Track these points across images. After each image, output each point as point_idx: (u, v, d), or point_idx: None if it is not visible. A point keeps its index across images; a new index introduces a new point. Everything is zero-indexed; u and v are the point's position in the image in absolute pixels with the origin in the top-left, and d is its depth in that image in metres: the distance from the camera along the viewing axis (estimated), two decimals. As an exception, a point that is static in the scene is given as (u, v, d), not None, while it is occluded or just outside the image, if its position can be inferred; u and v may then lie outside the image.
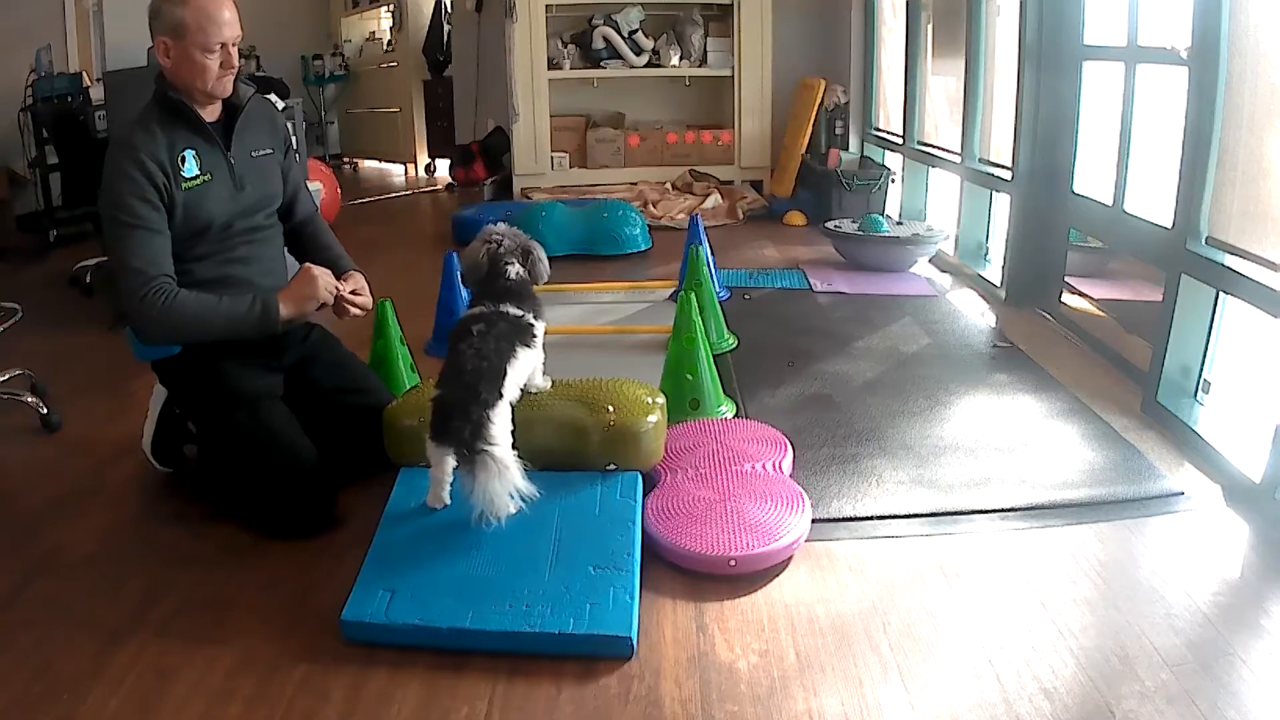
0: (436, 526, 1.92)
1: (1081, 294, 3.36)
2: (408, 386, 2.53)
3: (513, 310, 1.99)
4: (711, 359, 2.62)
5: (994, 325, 3.45)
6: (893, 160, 5.17)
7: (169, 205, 2.04)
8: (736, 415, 2.62)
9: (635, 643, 1.66)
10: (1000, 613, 1.75)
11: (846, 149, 5.44)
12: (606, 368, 2.45)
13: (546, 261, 2.14)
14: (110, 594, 1.86)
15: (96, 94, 4.69)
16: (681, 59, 5.90)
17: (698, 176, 5.89)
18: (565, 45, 5.94)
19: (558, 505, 1.94)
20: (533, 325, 2.02)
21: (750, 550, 1.87)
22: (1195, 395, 2.54)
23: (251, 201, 2.21)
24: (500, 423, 1.86)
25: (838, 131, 5.51)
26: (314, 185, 3.43)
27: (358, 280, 2.27)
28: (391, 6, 8.06)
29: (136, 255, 1.98)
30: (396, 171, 8.31)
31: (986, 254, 4.13)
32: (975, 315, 3.57)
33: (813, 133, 5.54)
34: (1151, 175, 2.87)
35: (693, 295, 2.63)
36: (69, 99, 5.10)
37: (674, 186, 5.85)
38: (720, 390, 2.64)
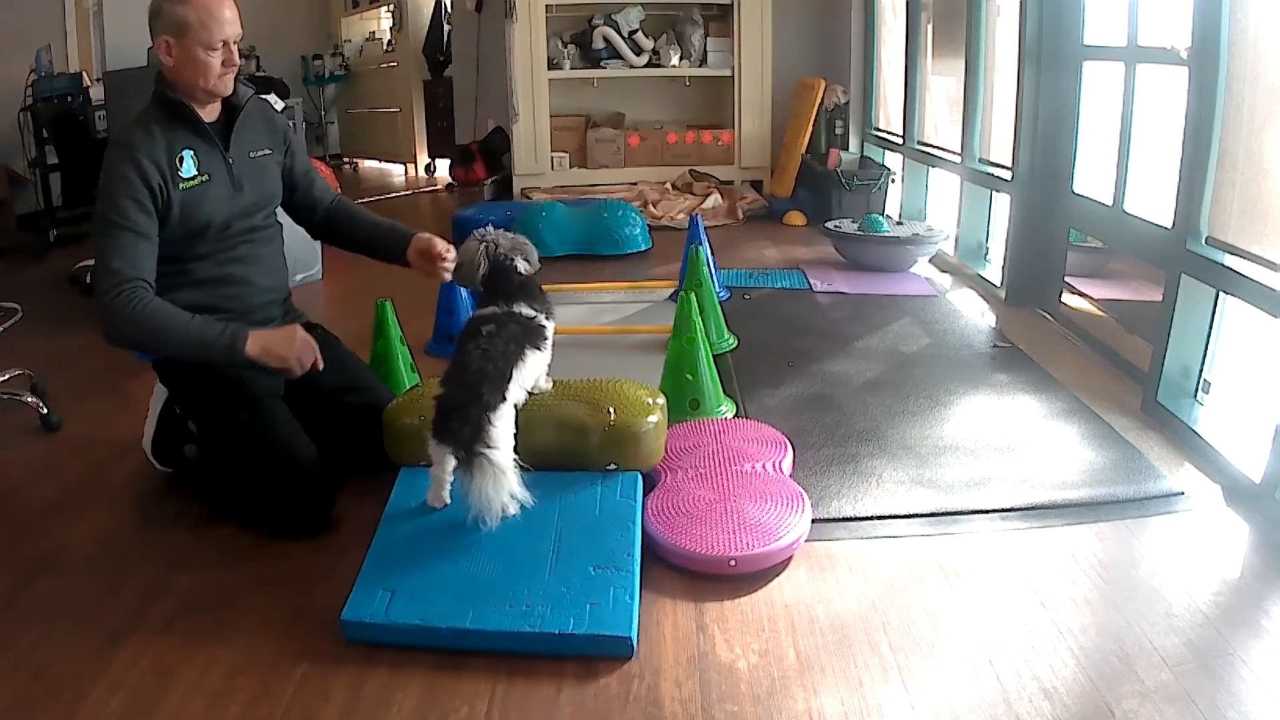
0: (437, 526, 1.92)
1: (1081, 294, 3.36)
2: (408, 386, 2.53)
3: (525, 311, 1.99)
4: (711, 359, 2.62)
5: (994, 325, 3.45)
6: (893, 160, 5.17)
7: (165, 206, 2.05)
8: (736, 415, 2.62)
9: (635, 643, 1.66)
10: (1000, 613, 1.75)
11: (846, 149, 5.44)
12: (606, 368, 2.45)
13: (535, 256, 2.14)
14: (110, 594, 1.86)
15: (96, 94, 4.70)
16: (681, 59, 5.90)
17: (698, 176, 5.89)
18: (565, 45, 5.94)
19: (558, 505, 1.94)
20: (544, 327, 2.02)
21: (750, 550, 1.87)
22: (1195, 395, 2.54)
23: (250, 202, 2.21)
24: (502, 426, 1.86)
25: (838, 131, 5.51)
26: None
27: (437, 241, 2.27)
28: (391, 6, 8.06)
29: (117, 256, 1.98)
30: (396, 171, 8.31)
31: (986, 254, 4.13)
32: (975, 315, 3.57)
33: (813, 133, 5.54)
34: (1151, 175, 2.87)
35: (693, 295, 2.63)
36: (69, 99, 5.11)
37: (674, 186, 5.85)
38: (720, 390, 2.64)
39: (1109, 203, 3.10)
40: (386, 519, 1.95)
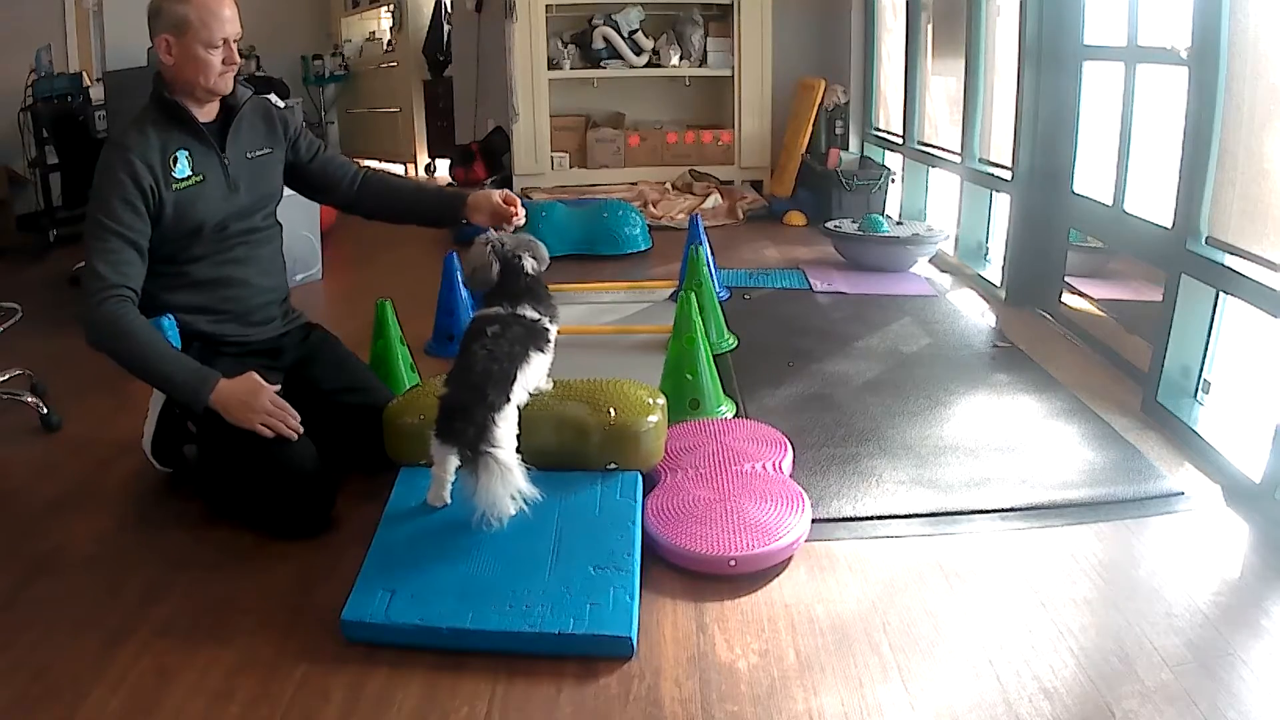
0: (437, 526, 1.92)
1: (1081, 294, 3.36)
2: (408, 386, 2.53)
3: (530, 313, 1.99)
4: (711, 359, 2.62)
5: (994, 325, 3.45)
6: (893, 160, 5.17)
7: (158, 206, 2.05)
8: (736, 415, 2.62)
9: (635, 643, 1.66)
10: (1000, 613, 1.75)
11: (846, 149, 5.44)
12: (606, 368, 2.45)
13: (545, 253, 2.12)
14: (110, 594, 1.86)
15: (96, 94, 4.70)
16: (681, 59, 5.90)
17: (698, 176, 5.89)
18: (565, 45, 5.94)
19: (558, 505, 1.94)
20: (548, 329, 2.02)
21: (750, 550, 1.87)
22: (1195, 395, 2.54)
23: (247, 203, 2.21)
24: (505, 426, 1.86)
25: (838, 131, 5.51)
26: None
27: (494, 194, 2.25)
28: (391, 6, 8.05)
29: (104, 260, 1.98)
30: (397, 171, 8.31)
31: (986, 254, 4.13)
32: (975, 315, 3.57)
33: (813, 133, 5.53)
34: (1151, 175, 2.87)
35: (693, 295, 2.63)
36: (69, 99, 5.10)
37: (674, 186, 5.85)
38: (720, 390, 2.64)
39: (1109, 203, 3.10)
40: (386, 519, 1.95)
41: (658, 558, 1.91)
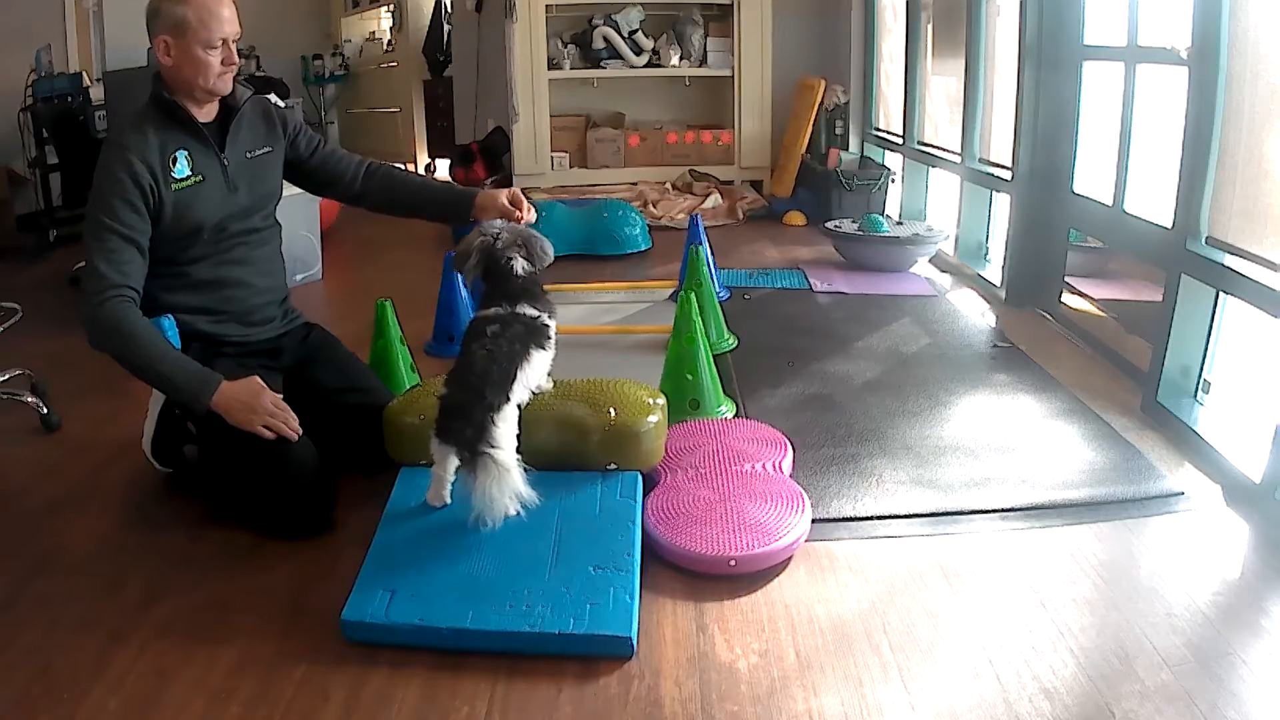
0: (436, 526, 1.92)
1: (1081, 294, 3.36)
2: (408, 386, 2.53)
3: (529, 311, 1.98)
4: (711, 359, 2.62)
5: (994, 325, 3.45)
6: (893, 160, 5.16)
7: (157, 206, 2.05)
8: (736, 415, 2.62)
9: (635, 643, 1.66)
10: (1000, 613, 1.75)
11: (846, 149, 5.43)
12: (606, 368, 2.45)
13: (549, 247, 2.10)
14: (110, 594, 1.86)
15: (96, 94, 4.70)
16: (681, 59, 5.90)
17: (698, 176, 5.89)
18: (565, 45, 5.94)
19: (558, 505, 1.94)
20: (548, 326, 2.02)
21: (750, 550, 1.87)
22: (1195, 395, 2.54)
23: (246, 204, 2.21)
24: (505, 426, 1.86)
25: (838, 131, 5.51)
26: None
27: (501, 196, 2.23)
28: (391, 6, 8.05)
29: (105, 259, 1.98)
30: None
31: (986, 254, 4.13)
32: (975, 315, 3.57)
33: (813, 133, 5.53)
34: (1151, 175, 2.87)
35: (693, 295, 2.63)
36: (69, 99, 5.10)
37: (674, 186, 5.85)
38: (720, 390, 2.64)
39: (1109, 203, 3.10)
40: (386, 519, 1.95)
41: (658, 558, 1.91)
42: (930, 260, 4.29)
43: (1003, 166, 3.78)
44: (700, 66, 5.95)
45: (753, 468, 2.19)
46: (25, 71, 5.38)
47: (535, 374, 2.00)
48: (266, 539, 2.04)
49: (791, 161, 5.63)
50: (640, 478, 2.07)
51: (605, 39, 5.86)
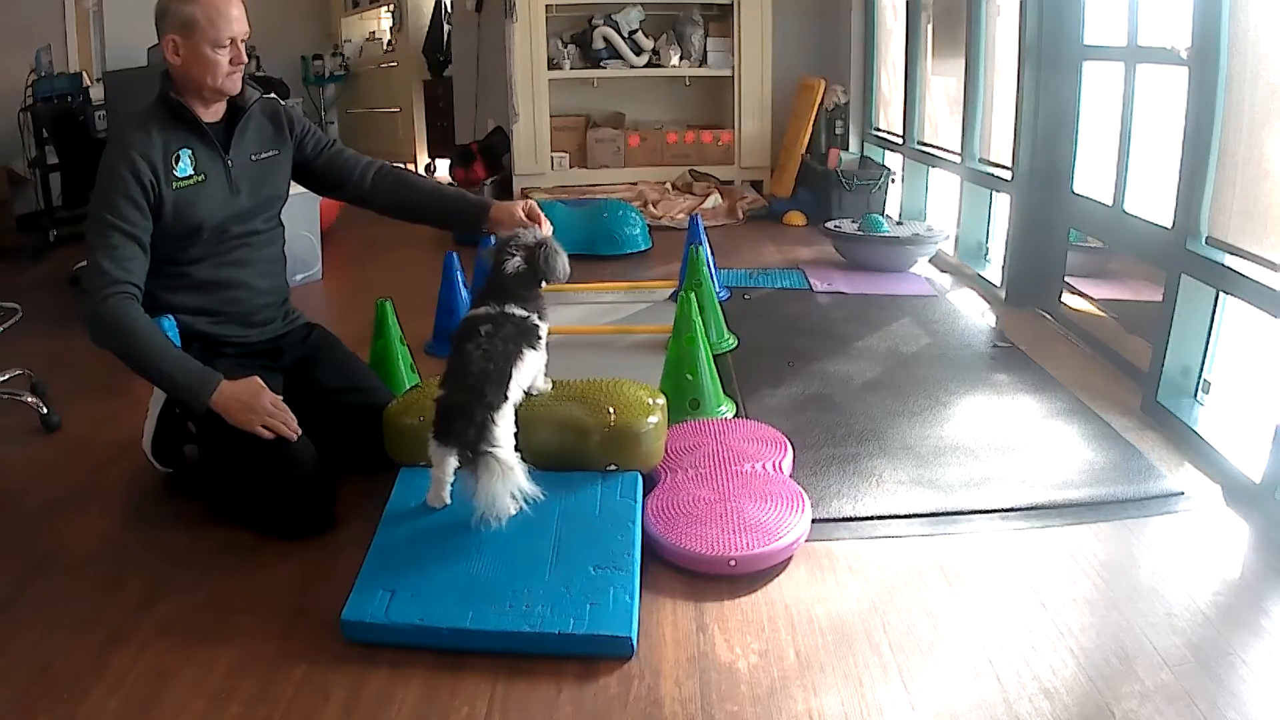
0: (436, 526, 1.92)
1: (1081, 294, 3.36)
2: (408, 386, 2.53)
3: (518, 311, 1.98)
4: (711, 359, 2.62)
5: (994, 325, 3.45)
6: (893, 160, 5.16)
7: (157, 203, 2.05)
8: (736, 415, 2.62)
9: (635, 643, 1.66)
10: (1000, 613, 1.75)
11: (846, 149, 5.43)
12: (606, 368, 2.45)
13: (563, 259, 2.06)
14: (110, 594, 1.86)
15: (96, 94, 4.70)
16: (681, 59, 5.90)
17: (698, 176, 5.89)
18: (565, 45, 5.94)
19: (558, 505, 1.94)
20: (538, 326, 2.01)
21: (750, 550, 1.87)
22: (1195, 395, 2.54)
23: (248, 206, 2.21)
24: (504, 425, 1.86)
25: (838, 131, 5.51)
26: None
27: (520, 207, 2.20)
28: (391, 6, 8.05)
29: (108, 255, 1.98)
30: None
31: (986, 254, 4.13)
32: (975, 315, 3.57)
33: (813, 133, 5.53)
34: (1151, 175, 2.87)
35: (693, 295, 2.63)
36: (69, 99, 5.10)
37: (674, 186, 5.85)
38: (720, 390, 2.64)
39: (1109, 203, 3.10)
40: (386, 519, 1.95)
41: (658, 558, 1.91)
42: (930, 260, 4.29)
43: (1003, 166, 3.78)
44: (700, 66, 5.95)
45: (753, 468, 2.19)
46: (25, 71, 5.38)
47: (527, 374, 2.00)
48: (266, 539, 2.04)
49: (791, 161, 5.63)
50: (640, 478, 2.07)
51: (605, 39, 5.86)
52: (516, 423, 1.91)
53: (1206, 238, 2.49)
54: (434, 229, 3.60)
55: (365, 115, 8.57)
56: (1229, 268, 2.38)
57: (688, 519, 1.97)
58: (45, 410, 2.72)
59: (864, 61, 5.47)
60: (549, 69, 5.82)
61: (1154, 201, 2.80)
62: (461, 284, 3.26)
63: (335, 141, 2.40)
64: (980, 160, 4.07)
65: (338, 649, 1.68)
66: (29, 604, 1.85)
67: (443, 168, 7.74)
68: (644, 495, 2.03)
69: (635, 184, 5.83)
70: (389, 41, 8.30)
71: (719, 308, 3.29)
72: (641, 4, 5.89)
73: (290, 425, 2.04)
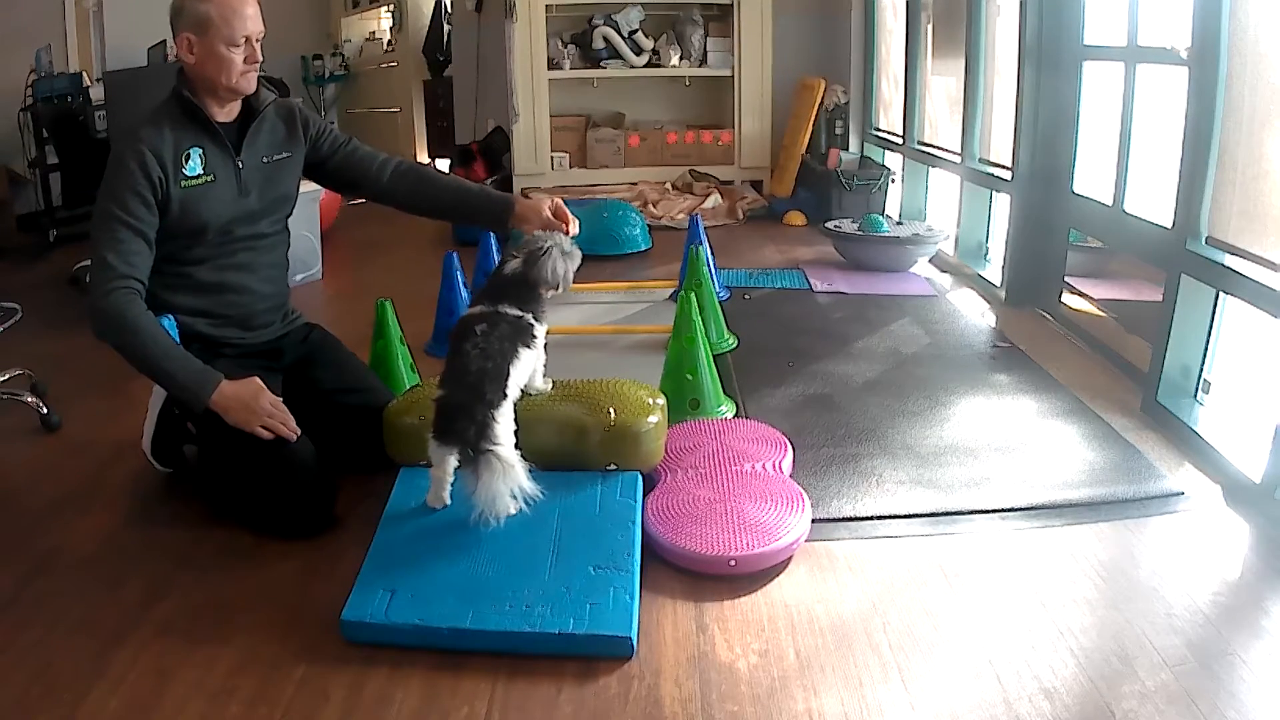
0: (436, 526, 1.92)
1: (1081, 294, 3.36)
2: (408, 386, 2.53)
3: (512, 311, 1.98)
4: (711, 359, 2.62)
5: (994, 325, 3.45)
6: (893, 160, 5.17)
7: (164, 200, 2.04)
8: (736, 415, 2.62)
9: (635, 643, 1.66)
10: (1000, 613, 1.75)
11: (846, 149, 5.44)
12: (606, 368, 2.45)
13: (565, 264, 2.04)
14: (110, 594, 1.86)
15: (96, 94, 4.70)
16: (681, 59, 5.90)
17: (698, 176, 5.89)
18: (565, 45, 5.94)
19: (558, 505, 1.94)
20: (533, 326, 2.01)
21: (750, 550, 1.87)
22: (1195, 395, 2.54)
23: (256, 208, 2.20)
24: (504, 423, 1.86)
25: (838, 131, 5.51)
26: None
27: (545, 204, 2.16)
28: (391, 6, 8.05)
29: (113, 249, 1.98)
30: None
31: (986, 254, 4.13)
32: (975, 315, 3.57)
33: (813, 133, 5.54)
34: (1151, 175, 2.87)
35: (693, 295, 2.63)
36: (69, 99, 5.10)
37: (674, 186, 5.85)
38: (720, 390, 2.64)
39: (1109, 203, 3.10)
40: (386, 519, 1.95)
41: (658, 558, 1.91)
42: (930, 260, 4.29)
43: (1003, 166, 3.78)
44: (700, 66, 5.95)
45: (753, 468, 2.19)
46: (25, 71, 5.38)
47: (523, 373, 2.00)
48: (266, 539, 2.04)
49: (791, 161, 5.63)
50: (640, 478, 2.07)
51: (605, 39, 5.86)
52: (516, 422, 1.92)
53: (1206, 238, 2.49)
54: (433, 227, 3.60)
55: (365, 115, 8.56)
56: (1229, 268, 2.38)
57: (688, 519, 1.97)
58: (45, 410, 2.72)
59: (864, 61, 5.47)
60: (549, 69, 5.82)
61: (1154, 201, 2.80)
62: (461, 284, 3.26)
63: (351, 139, 2.37)
64: (980, 160, 4.07)
65: (338, 649, 1.68)
66: (29, 604, 1.85)
67: (443, 167, 7.74)
68: (644, 495, 2.03)
69: (635, 184, 5.83)
70: (389, 41, 8.30)
71: (719, 308, 3.29)
72: (641, 4, 5.89)
73: (289, 425, 2.04)
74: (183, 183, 2.07)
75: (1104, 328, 3.16)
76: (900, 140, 5.00)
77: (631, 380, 2.23)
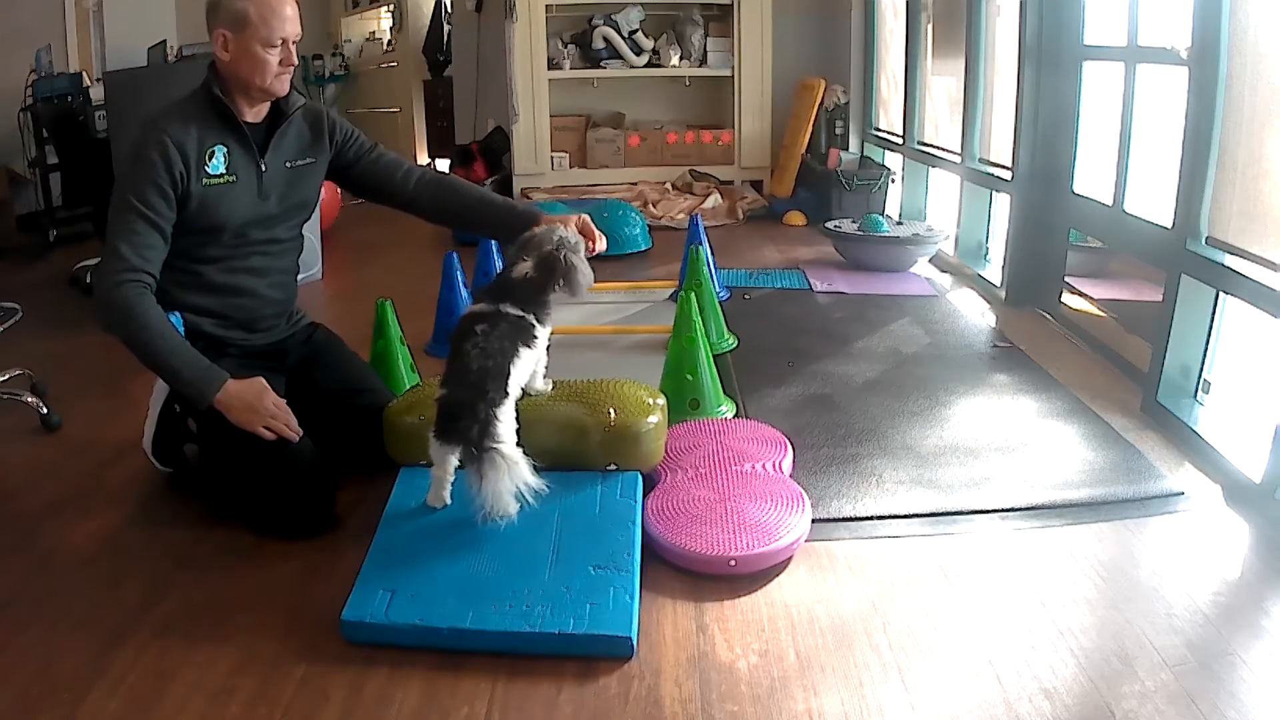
0: (436, 526, 1.92)
1: (1081, 294, 3.36)
2: (408, 386, 2.53)
3: (514, 311, 1.98)
4: (711, 359, 2.62)
5: (994, 325, 3.45)
6: (893, 160, 5.17)
7: (183, 196, 2.03)
8: (736, 415, 2.62)
9: (635, 643, 1.66)
10: (1000, 613, 1.75)
11: (846, 149, 5.44)
12: (606, 368, 2.44)
13: (576, 273, 2.00)
14: (110, 594, 1.86)
15: (96, 94, 4.69)
16: (681, 59, 5.90)
17: (698, 176, 5.89)
18: (565, 45, 5.94)
19: (558, 505, 1.94)
20: (534, 326, 2.01)
21: (750, 550, 1.87)
22: (1195, 395, 2.54)
23: (274, 213, 2.19)
24: (506, 421, 1.87)
25: (838, 131, 5.51)
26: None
27: (571, 221, 2.13)
28: (391, 6, 8.06)
29: (128, 240, 1.96)
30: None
31: (986, 254, 4.13)
32: (975, 315, 3.57)
33: (813, 133, 5.54)
34: (1151, 175, 2.87)
35: (693, 295, 2.63)
36: (69, 99, 5.10)
37: (674, 186, 5.85)
38: (720, 390, 2.64)
39: (1109, 203, 3.10)
40: (386, 519, 1.95)
41: (658, 558, 1.91)
42: (930, 260, 4.29)
43: (1003, 166, 3.78)
44: (700, 66, 5.96)
45: (753, 468, 2.19)
46: (25, 71, 5.38)
47: (523, 372, 2.00)
48: (267, 539, 2.04)
49: (791, 161, 5.63)
50: (640, 478, 2.07)
51: (605, 39, 5.86)
52: (517, 420, 1.92)
53: (1206, 238, 2.49)
54: (432, 227, 3.59)
55: (365, 115, 8.56)
56: (1229, 268, 2.38)
57: (688, 519, 1.97)
58: (45, 410, 2.72)
59: (864, 61, 5.47)
60: (549, 69, 5.82)
61: (1154, 201, 2.80)
62: (461, 284, 3.26)
63: (376, 146, 2.35)
64: (980, 160, 4.07)
65: (338, 649, 1.67)
66: (29, 603, 1.85)
67: (443, 167, 7.74)
68: (644, 495, 2.03)
69: (635, 184, 5.83)
70: (389, 41, 8.31)
71: (719, 308, 3.29)
72: (641, 4, 5.89)
73: (292, 427, 2.03)
74: (204, 180, 2.05)
75: (1104, 328, 3.16)
76: (900, 140, 5.00)
77: (631, 380, 2.23)
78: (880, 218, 4.33)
